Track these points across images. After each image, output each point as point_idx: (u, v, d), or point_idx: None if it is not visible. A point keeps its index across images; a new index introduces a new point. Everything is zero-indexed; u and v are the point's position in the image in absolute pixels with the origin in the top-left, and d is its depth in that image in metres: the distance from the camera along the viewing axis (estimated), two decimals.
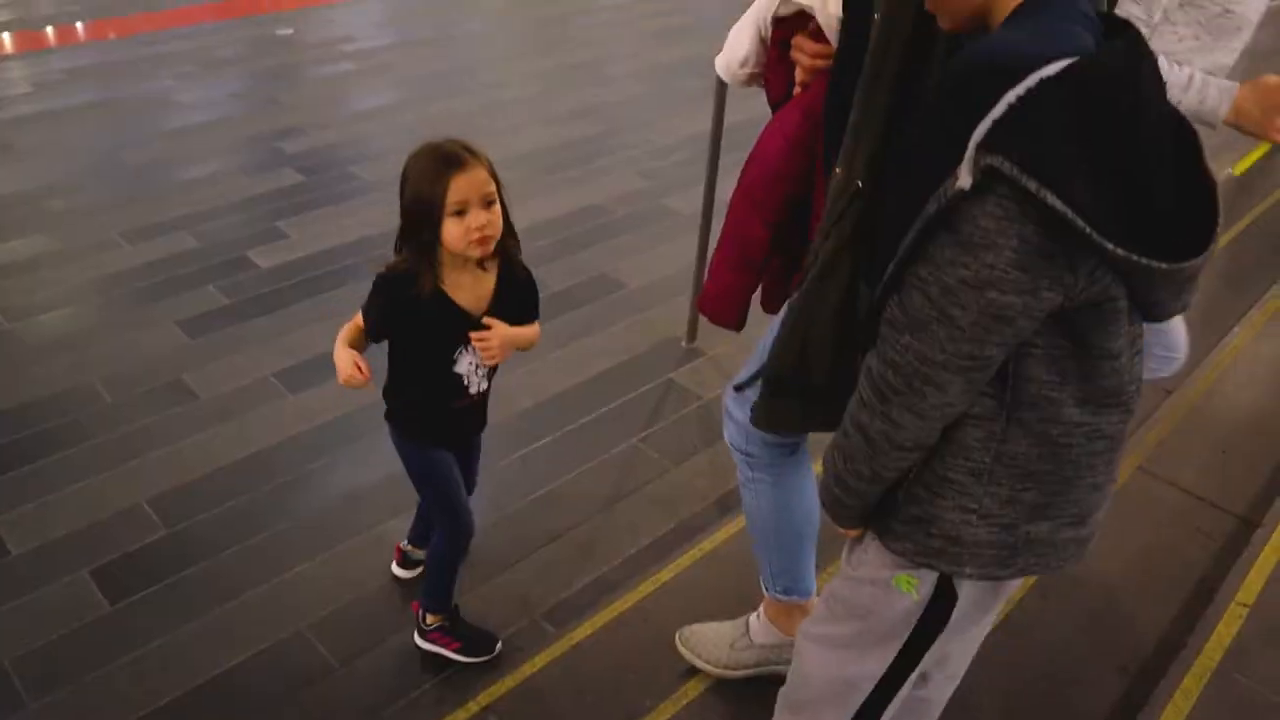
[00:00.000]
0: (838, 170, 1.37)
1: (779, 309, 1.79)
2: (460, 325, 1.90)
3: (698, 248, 3.29)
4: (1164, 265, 0.95)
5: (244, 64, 6.01)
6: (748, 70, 1.80)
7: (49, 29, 6.59)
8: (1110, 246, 0.93)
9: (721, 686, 2.10)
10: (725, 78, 1.87)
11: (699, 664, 2.11)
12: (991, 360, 1.06)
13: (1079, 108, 0.93)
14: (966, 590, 1.27)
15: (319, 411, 2.99)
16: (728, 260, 1.80)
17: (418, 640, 2.25)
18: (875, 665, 1.35)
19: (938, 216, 1.00)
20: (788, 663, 1.56)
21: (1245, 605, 2.12)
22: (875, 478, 1.19)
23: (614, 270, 3.83)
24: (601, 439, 2.95)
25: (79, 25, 6.63)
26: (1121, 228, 0.93)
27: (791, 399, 1.55)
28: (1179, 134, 1.01)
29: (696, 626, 2.16)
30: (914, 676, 1.37)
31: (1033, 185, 0.92)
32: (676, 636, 2.14)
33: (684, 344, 3.42)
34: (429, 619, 2.23)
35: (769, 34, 1.72)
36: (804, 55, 1.61)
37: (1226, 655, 1.99)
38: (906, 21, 1.26)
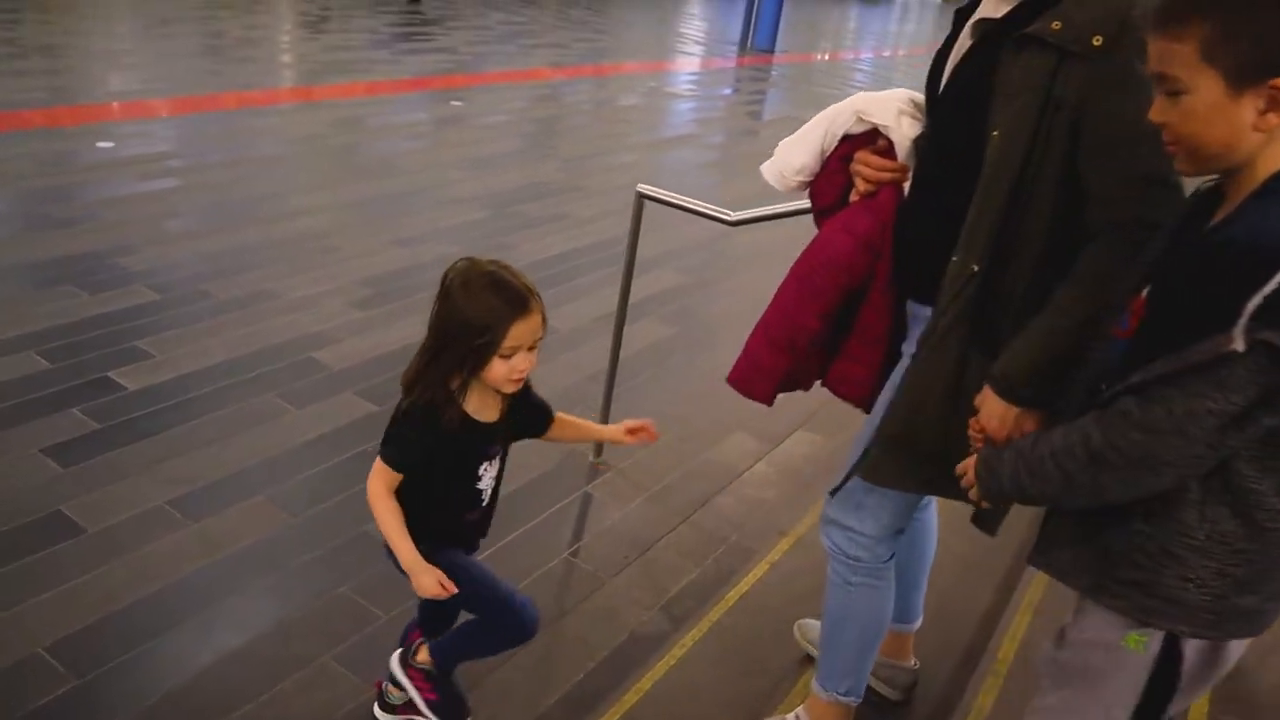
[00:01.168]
0: (954, 258, 1.55)
1: (803, 387, 2.00)
2: (487, 441, 1.85)
3: (610, 360, 3.33)
4: None
5: (50, 178, 5.61)
6: (800, 178, 1.92)
7: None
8: None
9: None
10: (774, 183, 1.98)
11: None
12: (1207, 465, 1.25)
13: None
14: (1191, 649, 1.37)
15: (225, 540, 2.76)
16: (774, 342, 1.91)
17: (393, 667, 2.13)
18: None
19: (1207, 367, 1.18)
20: None
21: None
22: (1055, 502, 1.40)
23: None
24: (532, 555, 2.88)
25: None
26: None
27: (902, 458, 1.70)
28: None
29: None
30: None
31: None
32: None
33: (591, 459, 3.41)
34: (421, 653, 2.10)
35: (831, 148, 1.86)
36: (869, 169, 1.81)
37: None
38: (1024, 140, 1.50)
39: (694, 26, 17.33)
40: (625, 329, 3.37)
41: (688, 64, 13.07)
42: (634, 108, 9.60)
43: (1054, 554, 1.46)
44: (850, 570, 1.93)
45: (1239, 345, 1.14)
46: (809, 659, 2.41)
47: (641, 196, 3.06)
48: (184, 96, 7.46)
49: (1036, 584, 2.65)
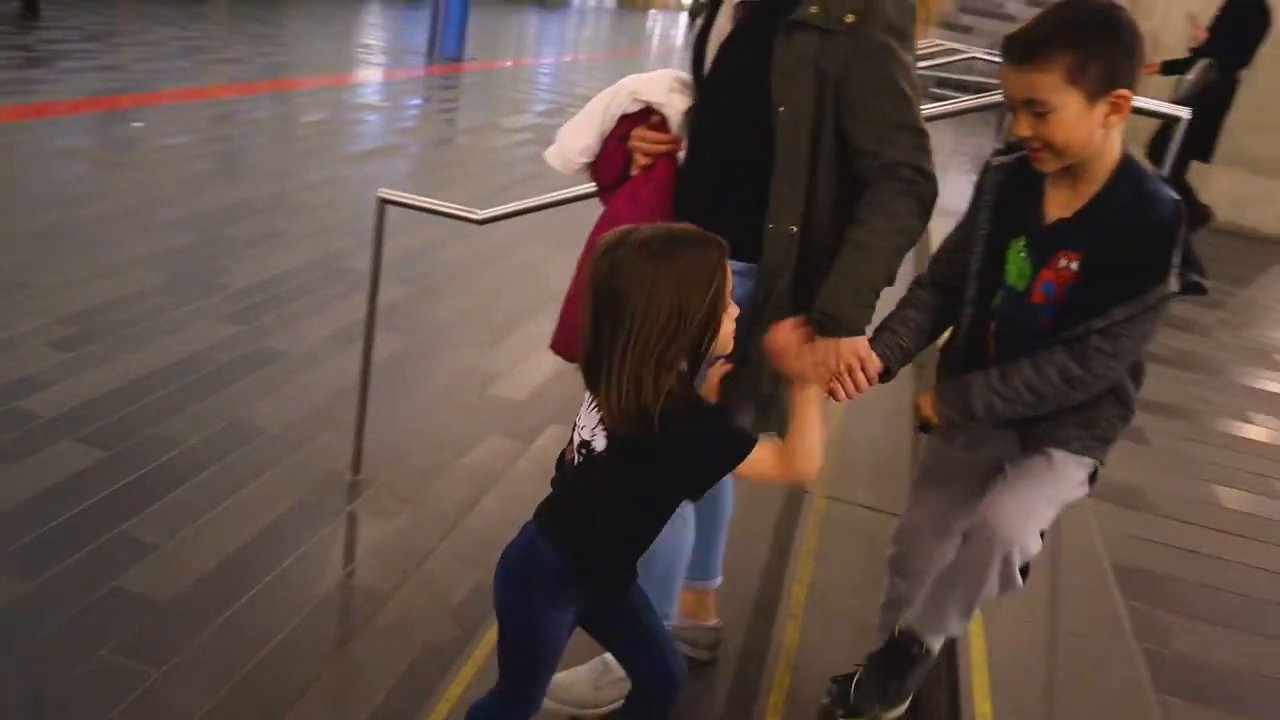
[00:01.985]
0: (769, 225, 1.84)
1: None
2: None
3: (361, 375, 3.25)
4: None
5: None
6: (584, 159, 2.03)
7: None
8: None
9: None
10: (559, 166, 2.08)
11: (571, 711, 2.16)
12: None
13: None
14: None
15: None
16: (574, 303, 2.02)
17: None
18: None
19: (1153, 306, 1.67)
20: None
21: None
22: (1020, 416, 1.80)
23: (246, 417, 3.60)
24: (305, 586, 2.77)
25: None
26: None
27: (757, 409, 1.93)
28: None
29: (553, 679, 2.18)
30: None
31: (1205, 285, 1.68)
32: None
33: (348, 477, 3.32)
34: None
35: (610, 128, 1.99)
36: (646, 144, 1.97)
37: None
38: (808, 111, 1.76)
39: (376, 37, 16.97)
40: (358, 343, 3.30)
41: (375, 75, 12.80)
42: (326, 121, 9.30)
43: (1059, 434, 1.83)
44: None
45: (1175, 287, 1.65)
46: None
47: (384, 201, 3.01)
48: None
49: (811, 533, 2.88)
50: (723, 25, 1.90)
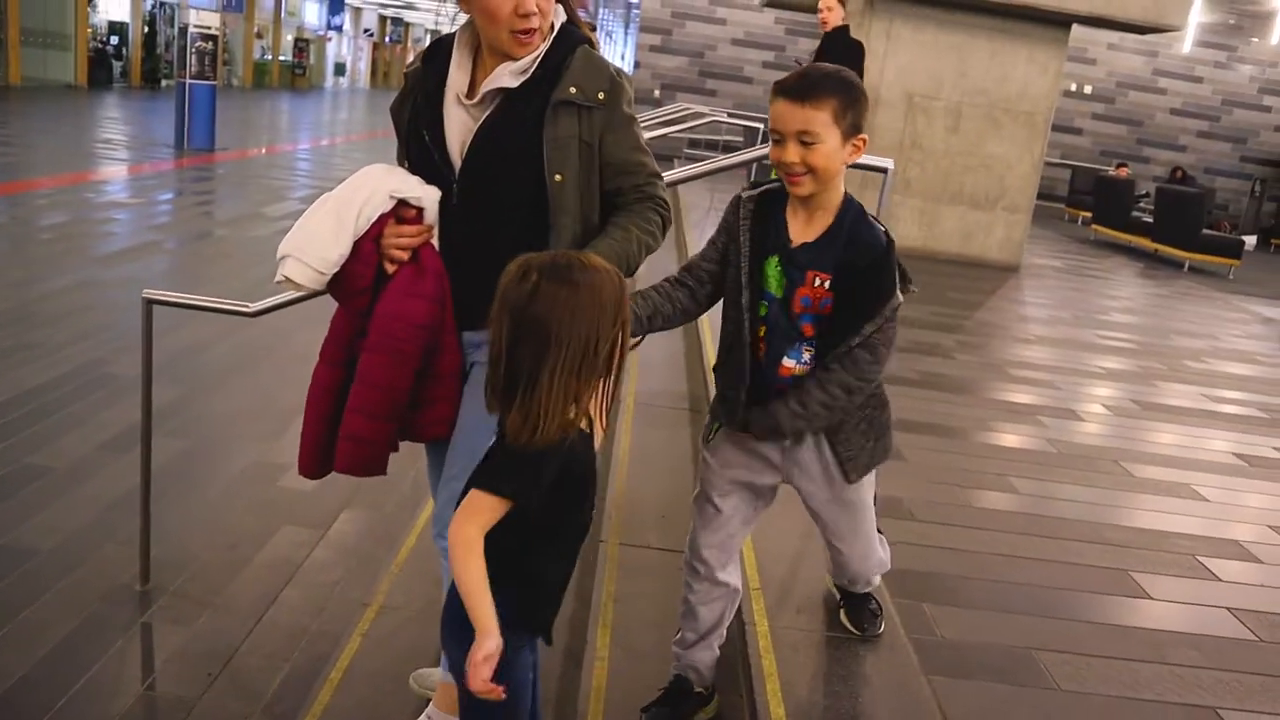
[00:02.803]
0: None
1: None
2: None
3: (142, 483, 3.17)
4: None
5: None
6: (335, 269, 2.02)
7: None
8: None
9: None
10: (306, 281, 2.02)
11: None
12: None
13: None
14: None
15: None
16: (376, 416, 2.06)
17: None
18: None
19: (890, 316, 2.10)
20: None
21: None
22: (819, 429, 2.20)
23: (17, 538, 3.41)
24: (102, 703, 2.67)
25: None
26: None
27: None
28: None
29: None
30: None
31: (913, 288, 2.16)
32: None
33: (138, 587, 3.21)
34: None
35: (364, 230, 2.01)
36: (405, 239, 2.04)
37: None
38: (579, 175, 2.07)
39: (118, 131, 16.23)
40: (131, 451, 3.21)
41: (120, 171, 12.25)
42: (70, 223, 8.82)
43: (857, 462, 2.26)
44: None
45: (900, 299, 2.10)
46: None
47: (150, 302, 2.98)
48: None
49: (609, 579, 3.02)
50: (461, 118, 2.09)
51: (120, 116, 18.38)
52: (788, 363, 2.14)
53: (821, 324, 2.12)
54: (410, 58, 2.10)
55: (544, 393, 1.53)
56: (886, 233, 2.12)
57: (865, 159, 2.84)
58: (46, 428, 4.33)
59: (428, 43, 2.19)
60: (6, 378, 4.85)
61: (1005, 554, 3.42)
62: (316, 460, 2.15)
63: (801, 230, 2.12)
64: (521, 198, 2.08)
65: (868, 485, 2.35)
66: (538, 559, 1.68)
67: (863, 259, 2.08)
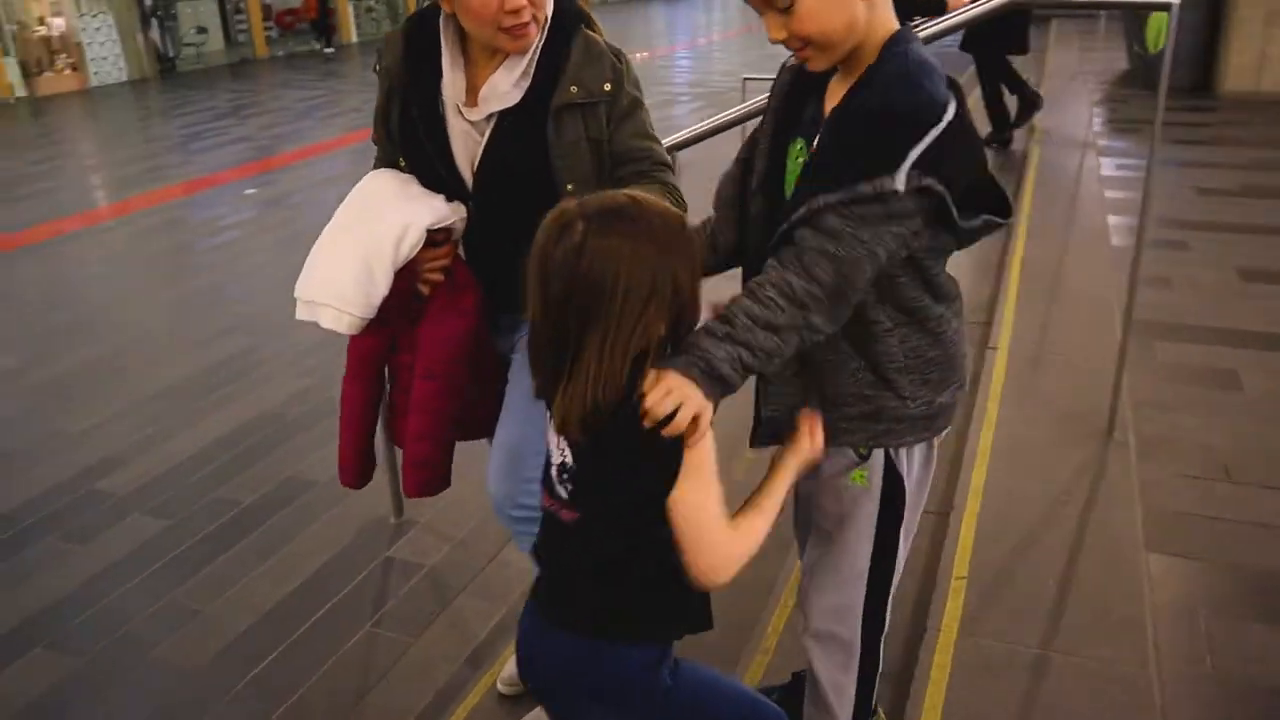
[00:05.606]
0: None
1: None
2: None
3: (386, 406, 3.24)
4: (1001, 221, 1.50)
5: None
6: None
7: None
8: (962, 223, 1.42)
9: None
10: (345, 328, 1.91)
11: None
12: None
13: (961, 143, 1.39)
14: (915, 460, 1.63)
15: (2, 706, 2.61)
16: (444, 435, 2.09)
17: None
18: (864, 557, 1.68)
19: (871, 199, 1.35)
20: None
21: (962, 578, 2.35)
22: (772, 365, 1.44)
23: (300, 471, 3.68)
24: (332, 638, 2.78)
25: None
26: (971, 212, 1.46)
27: None
28: None
29: None
30: (903, 548, 1.69)
31: (947, 196, 1.37)
32: None
33: (393, 520, 3.33)
34: None
35: (401, 265, 1.90)
36: (436, 262, 1.95)
37: (961, 625, 2.19)
38: (591, 179, 1.88)
39: None
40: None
41: None
42: None
43: (779, 424, 1.58)
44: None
45: (899, 185, 1.33)
46: None
47: None
48: None
49: None
50: (465, 132, 1.94)
51: None
52: None
53: None
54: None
55: (598, 361, 1.26)
56: (934, 102, 1.37)
57: None
58: None
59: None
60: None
61: None
62: (357, 473, 2.26)
63: (836, 97, 1.50)
64: (539, 206, 1.77)
65: (864, 498, 1.63)
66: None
67: (864, 110, 1.40)
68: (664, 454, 1.28)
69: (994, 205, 1.50)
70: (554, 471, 1.42)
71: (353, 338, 2.09)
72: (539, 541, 1.52)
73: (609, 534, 1.38)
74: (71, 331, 5.39)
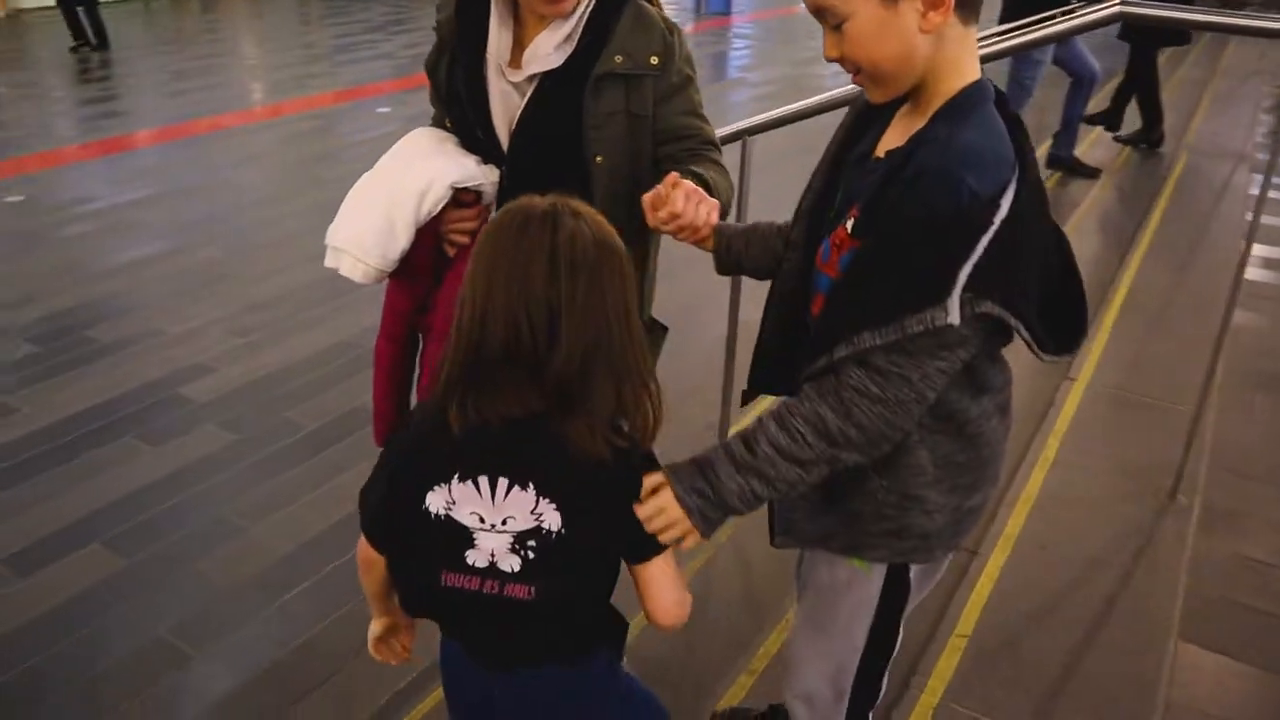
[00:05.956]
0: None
1: None
2: None
3: None
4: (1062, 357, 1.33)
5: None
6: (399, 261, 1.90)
7: None
8: (1041, 355, 1.29)
9: None
10: (373, 280, 1.88)
11: None
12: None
13: (1019, 246, 1.21)
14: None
15: (52, 593, 2.81)
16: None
17: None
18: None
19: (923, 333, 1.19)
20: None
21: (964, 636, 2.27)
22: (790, 494, 1.35)
23: (364, 405, 3.78)
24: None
25: None
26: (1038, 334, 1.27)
27: None
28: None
29: None
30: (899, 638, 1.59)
31: (1010, 320, 1.22)
32: None
33: None
34: None
35: (425, 221, 1.86)
36: (465, 224, 1.91)
37: (947, 689, 2.12)
38: (624, 154, 1.81)
39: None
40: None
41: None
42: None
43: (798, 530, 1.50)
44: None
45: (954, 319, 1.17)
46: None
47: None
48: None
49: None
50: (505, 93, 1.87)
51: None
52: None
53: (830, 294, 1.34)
54: None
55: (602, 387, 1.23)
56: (999, 196, 1.17)
57: None
58: None
59: None
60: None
61: None
62: (385, 433, 2.16)
63: (892, 140, 1.34)
64: (570, 179, 1.75)
65: (862, 581, 1.52)
66: None
67: (895, 193, 1.21)
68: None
69: (1069, 320, 1.34)
70: (503, 541, 1.27)
71: (387, 294, 2.11)
72: (455, 630, 1.40)
73: (573, 608, 1.32)
74: (203, 228, 5.68)
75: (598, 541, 1.27)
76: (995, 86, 1.31)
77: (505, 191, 1.93)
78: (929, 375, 1.23)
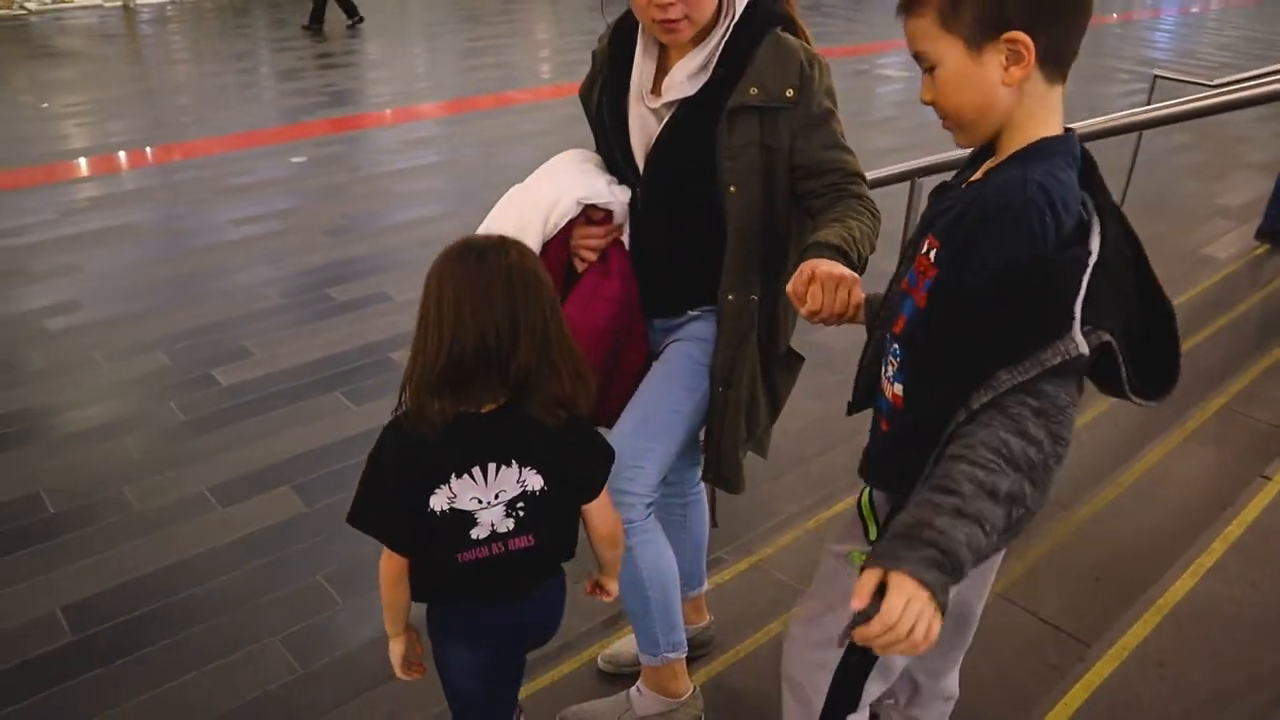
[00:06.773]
0: (729, 296, 1.91)
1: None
2: None
3: None
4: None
5: (259, 191, 6.44)
6: None
7: (81, 159, 7.12)
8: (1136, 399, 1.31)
9: None
10: None
11: None
12: None
13: (1115, 275, 1.25)
14: None
15: (242, 525, 3.18)
16: None
17: None
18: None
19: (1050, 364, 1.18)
20: None
21: None
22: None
23: None
24: None
25: (121, 154, 7.17)
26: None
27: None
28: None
29: (575, 709, 2.26)
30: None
31: (1116, 346, 1.24)
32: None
33: None
34: None
35: (553, 235, 1.96)
36: (592, 241, 1.99)
37: None
38: (758, 187, 1.84)
39: None
40: None
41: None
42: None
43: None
44: (626, 535, 1.96)
45: (1084, 349, 1.18)
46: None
47: None
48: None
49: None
50: (643, 118, 1.94)
51: None
52: (886, 376, 1.46)
53: (914, 326, 1.35)
54: None
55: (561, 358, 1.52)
56: (1032, 203, 1.19)
57: None
58: None
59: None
60: None
61: None
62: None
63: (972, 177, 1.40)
64: (702, 206, 1.89)
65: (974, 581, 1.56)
66: None
67: (972, 219, 1.25)
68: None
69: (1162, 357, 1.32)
70: (499, 511, 1.53)
71: None
72: (475, 591, 1.63)
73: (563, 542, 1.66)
74: (476, 197, 6.11)
75: (571, 487, 1.59)
76: (1083, 147, 1.32)
77: (639, 215, 2.00)
78: (1064, 408, 1.19)
